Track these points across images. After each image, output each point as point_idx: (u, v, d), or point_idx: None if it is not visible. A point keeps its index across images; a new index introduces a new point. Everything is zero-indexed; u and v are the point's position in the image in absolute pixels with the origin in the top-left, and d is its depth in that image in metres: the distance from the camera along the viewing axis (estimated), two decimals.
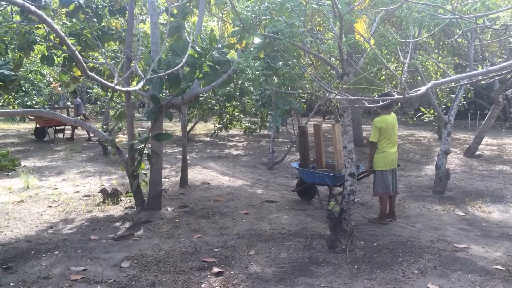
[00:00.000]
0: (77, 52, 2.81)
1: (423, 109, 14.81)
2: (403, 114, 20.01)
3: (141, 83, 2.96)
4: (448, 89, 13.36)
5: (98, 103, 19.44)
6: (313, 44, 5.17)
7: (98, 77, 3.26)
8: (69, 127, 15.41)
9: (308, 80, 7.78)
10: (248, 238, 5.27)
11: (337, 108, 15.57)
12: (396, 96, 2.22)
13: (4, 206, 6.66)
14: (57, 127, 15.01)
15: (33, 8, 2.33)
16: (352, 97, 2.51)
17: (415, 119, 17.56)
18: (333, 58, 6.05)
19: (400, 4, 3.74)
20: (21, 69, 9.51)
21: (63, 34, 2.65)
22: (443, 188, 7.53)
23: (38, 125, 14.62)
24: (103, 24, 6.79)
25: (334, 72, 7.73)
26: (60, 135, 15.44)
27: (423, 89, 2.08)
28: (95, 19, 6.34)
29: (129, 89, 3.57)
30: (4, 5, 6.08)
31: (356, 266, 4.41)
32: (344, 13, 3.46)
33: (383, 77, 9.05)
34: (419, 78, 8.78)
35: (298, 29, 4.20)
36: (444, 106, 13.06)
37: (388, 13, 5.05)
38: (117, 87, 2.93)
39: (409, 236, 5.36)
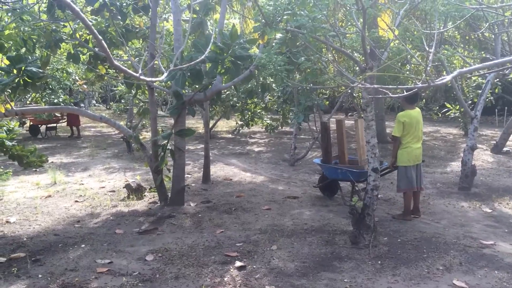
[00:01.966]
0: (104, 44, 2.87)
1: (448, 105, 14.52)
2: (428, 110, 19.65)
3: (165, 74, 3.00)
4: (474, 84, 13.06)
5: (122, 101, 19.79)
6: (336, 39, 5.13)
7: (123, 67, 3.32)
8: (65, 125, 15.92)
9: (331, 75, 7.73)
10: (270, 233, 5.28)
11: (359, 104, 15.43)
12: (421, 85, 2.18)
13: (33, 201, 6.84)
14: (49, 125, 15.53)
15: (67, 1, 2.39)
16: (376, 86, 2.47)
17: (440, 115, 17.23)
18: (355, 53, 6.00)
19: None
20: (48, 67, 9.73)
21: (93, 28, 2.71)
22: (469, 184, 7.38)
23: (31, 123, 15.25)
24: (127, 22, 6.88)
25: (357, 68, 7.65)
26: (53, 132, 16.00)
27: (448, 77, 2.05)
28: (120, 17, 6.43)
29: (153, 79, 3.63)
30: (32, 4, 6.23)
31: (379, 262, 4.37)
32: (367, 6, 3.42)
33: (408, 72, 8.91)
34: (444, 73, 8.61)
35: (320, 24, 4.18)
36: (470, 102, 12.77)
37: (412, 6, 4.97)
38: (142, 77, 2.98)
39: (434, 232, 5.28)
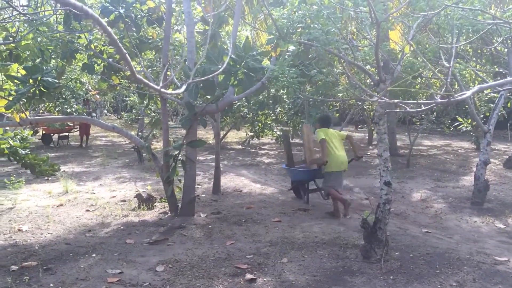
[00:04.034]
0: (128, 58, 2.91)
1: (460, 119, 14.40)
2: (439, 123, 19.49)
3: (184, 86, 3.03)
4: (487, 98, 12.96)
5: (134, 111, 19.95)
6: (348, 52, 5.14)
7: (145, 80, 3.36)
8: (78, 134, 16.10)
9: (343, 87, 7.74)
10: (281, 245, 5.25)
11: (370, 117, 15.39)
12: (440, 100, 2.18)
13: (45, 209, 6.89)
14: (61, 134, 15.69)
15: (90, 11, 2.44)
16: (396, 101, 2.47)
17: (451, 128, 17.10)
18: (368, 66, 6.01)
19: (440, 10, 3.67)
20: (62, 77, 9.87)
21: (115, 37, 2.75)
22: (482, 199, 7.29)
23: (44, 132, 15.39)
24: (140, 33, 6.98)
25: (369, 81, 7.65)
26: (65, 141, 16.20)
27: (468, 93, 2.04)
28: (134, 29, 6.52)
29: (173, 92, 3.67)
30: (48, 16, 6.34)
31: (391, 277, 4.32)
32: (382, 19, 3.43)
33: (418, 86, 8.87)
34: (456, 86, 8.57)
35: (333, 37, 4.20)
36: (482, 116, 12.66)
37: (425, 20, 4.97)
38: (162, 89, 3.01)
39: (446, 248, 5.21)
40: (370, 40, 4.62)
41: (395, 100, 2.55)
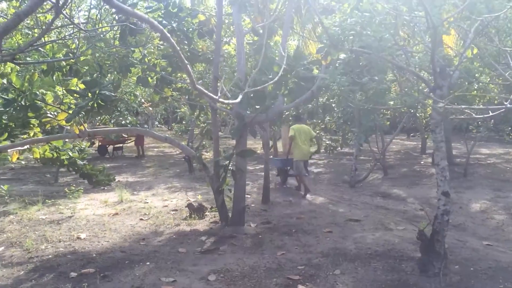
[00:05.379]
0: (189, 69, 2.99)
1: None
2: (498, 131, 18.51)
3: (240, 96, 3.06)
4: None
5: (183, 122, 20.42)
6: (401, 58, 5.00)
7: (204, 90, 3.43)
8: (133, 145, 16.64)
9: (397, 95, 7.54)
10: (332, 257, 5.14)
11: (424, 125, 14.88)
12: (510, 105, 2.05)
13: (101, 218, 7.15)
14: (116, 145, 16.26)
15: (156, 23, 2.52)
16: (464, 107, 2.36)
17: (511, 136, 16.20)
18: (423, 71, 5.82)
19: (503, 11, 3.49)
20: (118, 90, 10.28)
21: (177, 48, 2.83)
22: None
23: (100, 143, 16.01)
24: (191, 46, 7.14)
25: (421, 87, 7.39)
26: (119, 152, 16.83)
27: None
28: (186, 42, 6.69)
29: (230, 102, 3.72)
30: (105, 32, 6.64)
31: None
32: (438, 24, 3.31)
33: (474, 91, 8.47)
34: None
35: (387, 43, 4.10)
36: None
37: (483, 23, 4.75)
38: (220, 99, 3.06)
39: (510, 261, 4.90)
40: (424, 45, 4.47)
41: (463, 106, 2.44)
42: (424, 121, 14.67)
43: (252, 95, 5.37)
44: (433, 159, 11.72)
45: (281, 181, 10.27)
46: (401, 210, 7.87)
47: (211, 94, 3.38)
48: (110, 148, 16.50)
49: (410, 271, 4.64)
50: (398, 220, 6.80)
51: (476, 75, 6.49)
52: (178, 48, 2.99)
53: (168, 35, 2.62)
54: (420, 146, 16.01)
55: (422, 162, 13.34)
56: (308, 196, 8.88)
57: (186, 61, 2.91)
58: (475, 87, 8.66)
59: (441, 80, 4.05)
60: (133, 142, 16.39)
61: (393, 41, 4.31)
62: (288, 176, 10.25)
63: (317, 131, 15.04)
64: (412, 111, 10.74)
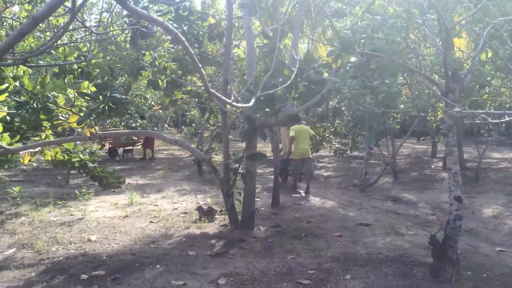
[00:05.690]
0: (203, 72, 2.99)
1: None
2: (509, 135, 18.32)
3: (253, 99, 3.05)
4: None
5: (193, 125, 20.49)
6: (413, 61, 4.97)
7: (218, 94, 3.43)
8: (140, 147, 16.73)
9: (409, 98, 7.49)
10: (343, 261, 5.11)
11: (434, 128, 14.75)
12: None
13: (112, 220, 7.18)
14: (126, 148, 16.36)
15: (171, 27, 2.53)
16: (480, 111, 2.32)
17: None
18: (434, 75, 5.77)
19: None
20: (129, 93, 10.35)
21: (192, 51, 2.83)
22: None
23: (110, 146, 16.17)
24: (201, 49, 7.16)
25: (432, 91, 7.33)
26: (129, 155, 16.92)
27: None
28: (196, 45, 6.71)
29: (243, 105, 3.72)
30: (116, 35, 6.67)
31: None
32: (451, 27, 3.28)
33: (486, 95, 8.39)
34: None
35: (398, 46, 4.07)
36: None
37: (495, 26, 4.70)
38: (233, 103, 3.06)
39: None
40: (436, 48, 4.43)
41: (480, 111, 2.41)
42: (434, 124, 14.56)
43: (262, 98, 5.36)
44: (444, 163, 11.62)
45: (281, 181, 10.37)
46: (412, 214, 7.81)
47: (225, 98, 3.37)
48: (120, 150, 16.60)
49: (422, 277, 4.59)
50: (409, 225, 6.73)
51: (488, 78, 6.43)
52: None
53: (183, 38, 2.62)
54: (430, 150, 15.86)
55: (432, 166, 13.22)
56: (302, 193, 9.41)
57: (200, 65, 2.91)
58: (486, 91, 8.59)
59: (453, 83, 4.01)
60: (141, 145, 16.45)
61: (405, 44, 4.28)
62: (288, 176, 10.62)
63: (327, 135, 15.03)
64: (422, 114, 10.67)
